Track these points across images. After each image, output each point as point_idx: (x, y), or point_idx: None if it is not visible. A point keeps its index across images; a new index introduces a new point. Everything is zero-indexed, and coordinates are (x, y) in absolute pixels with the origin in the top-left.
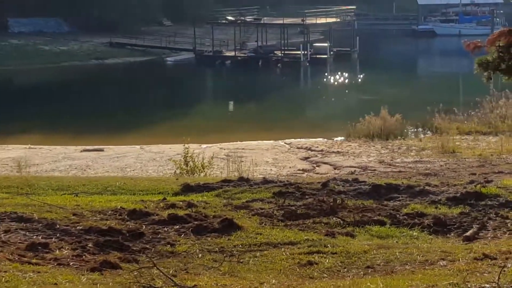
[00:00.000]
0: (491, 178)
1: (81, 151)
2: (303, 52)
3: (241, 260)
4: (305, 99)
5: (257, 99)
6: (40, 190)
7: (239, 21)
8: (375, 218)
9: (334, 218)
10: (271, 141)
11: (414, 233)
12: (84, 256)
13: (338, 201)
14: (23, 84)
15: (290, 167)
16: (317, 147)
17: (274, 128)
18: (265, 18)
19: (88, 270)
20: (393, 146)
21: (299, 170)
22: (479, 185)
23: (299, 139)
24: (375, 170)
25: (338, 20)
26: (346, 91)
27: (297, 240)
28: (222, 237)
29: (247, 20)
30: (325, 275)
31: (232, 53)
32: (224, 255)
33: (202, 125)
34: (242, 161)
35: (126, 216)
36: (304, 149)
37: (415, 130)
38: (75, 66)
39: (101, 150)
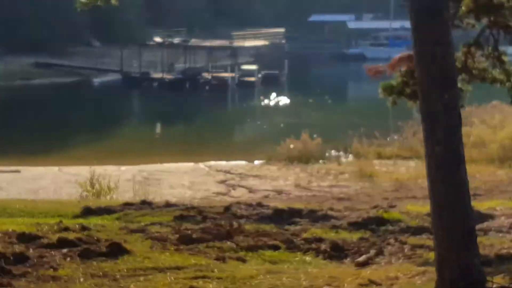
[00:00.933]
0: (397, 203)
1: None
2: (231, 74)
3: (121, 285)
4: (231, 122)
5: (183, 121)
6: None
7: (166, 43)
8: (270, 242)
9: (228, 243)
10: (192, 164)
11: (308, 258)
12: None
13: (235, 226)
14: None
15: (205, 190)
16: (236, 170)
17: (197, 150)
18: (193, 40)
19: None
20: (312, 170)
21: (213, 193)
22: (381, 210)
23: (219, 162)
24: (290, 193)
25: (267, 43)
26: (272, 114)
27: (184, 265)
28: (108, 261)
29: (175, 42)
30: None
31: (160, 75)
32: (107, 279)
33: (125, 147)
34: (159, 184)
35: (14, 239)
36: (223, 172)
37: (337, 154)
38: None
39: (18, 171)
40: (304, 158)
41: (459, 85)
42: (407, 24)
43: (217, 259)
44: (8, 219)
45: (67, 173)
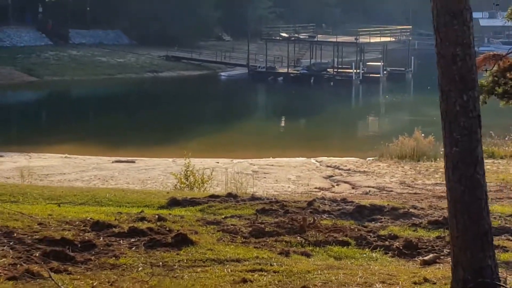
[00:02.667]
0: (495, 203)
1: (112, 162)
2: (355, 70)
3: (175, 275)
4: (350, 118)
5: (304, 116)
6: (31, 199)
7: (292, 38)
8: (341, 238)
9: (298, 237)
10: (303, 158)
11: (375, 255)
12: (19, 265)
13: (309, 220)
14: (76, 95)
15: (308, 185)
16: (345, 166)
17: (312, 145)
18: (319, 35)
19: (6, 278)
20: (421, 167)
21: (316, 188)
22: None
23: (331, 158)
24: (391, 191)
25: (393, 39)
26: (394, 111)
27: (245, 258)
28: (171, 251)
29: (301, 37)
30: None
31: (285, 70)
32: (165, 269)
33: (243, 140)
34: (265, 178)
35: (88, 228)
36: (332, 167)
37: None
38: (130, 78)
39: (133, 161)
40: (415, 156)
41: None
42: None
43: (281, 253)
44: (93, 207)
45: (180, 164)
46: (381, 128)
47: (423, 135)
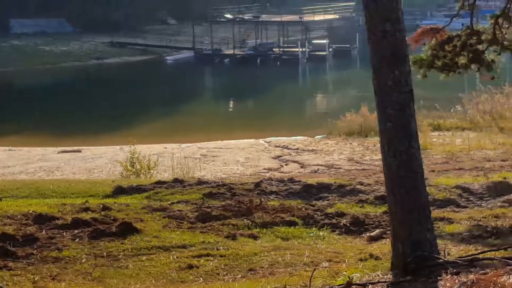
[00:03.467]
0: (442, 175)
1: (58, 153)
2: (301, 49)
3: (120, 265)
4: (298, 97)
5: (252, 97)
6: None
7: (237, 19)
8: (288, 219)
9: (245, 220)
10: (252, 140)
11: (323, 234)
12: None
13: (256, 202)
14: (19, 85)
15: (257, 166)
16: (294, 145)
17: (260, 126)
18: (264, 16)
19: None
20: (369, 143)
21: (264, 169)
22: None
23: (280, 138)
24: (340, 168)
25: (337, 16)
26: (340, 88)
27: (191, 243)
28: (116, 241)
29: (245, 18)
30: (201, 278)
31: (231, 51)
32: (109, 259)
33: (191, 124)
34: (213, 161)
35: (31, 221)
36: (281, 147)
37: None
38: (74, 66)
39: (79, 151)
40: (363, 132)
41: (491, 56)
42: None
43: (227, 236)
44: (36, 200)
45: (128, 152)
46: (329, 105)
47: (370, 111)
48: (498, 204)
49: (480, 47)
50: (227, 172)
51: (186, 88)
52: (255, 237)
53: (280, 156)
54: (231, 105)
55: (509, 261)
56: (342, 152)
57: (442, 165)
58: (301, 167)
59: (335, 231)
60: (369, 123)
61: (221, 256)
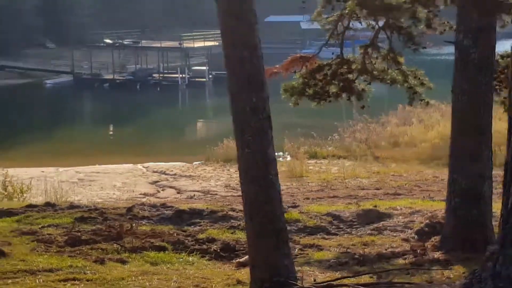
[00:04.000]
0: (315, 202)
1: None
2: (181, 75)
3: None
4: (177, 122)
5: (131, 122)
6: None
7: (117, 44)
8: (157, 244)
9: (114, 244)
10: (130, 165)
11: (192, 259)
12: None
13: (127, 227)
14: None
15: (133, 191)
16: (172, 170)
17: (139, 151)
18: (144, 41)
19: None
20: None
21: (140, 194)
22: None
23: (158, 163)
24: (216, 194)
25: (216, 43)
26: (219, 115)
27: (59, 267)
28: None
29: (125, 43)
30: None
31: (111, 76)
32: None
33: (70, 148)
34: (90, 185)
35: None
36: (158, 172)
37: (276, 154)
38: None
39: None
40: None
41: (361, 86)
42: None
43: (96, 261)
44: None
45: (3, 175)
46: (208, 132)
47: None
48: (367, 232)
49: (350, 76)
50: (103, 197)
51: (65, 112)
52: (123, 262)
53: (157, 181)
54: (110, 130)
55: (360, 287)
56: (219, 178)
57: (316, 193)
58: (178, 193)
59: (205, 256)
60: None
61: (88, 280)
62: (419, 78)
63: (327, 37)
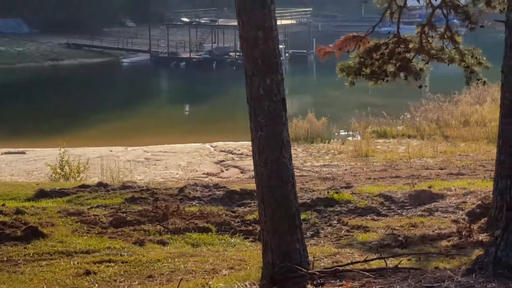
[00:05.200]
0: (376, 183)
1: (1, 154)
2: None
3: (16, 270)
4: None
5: (206, 102)
6: None
7: (194, 23)
8: (202, 225)
9: (158, 225)
10: (198, 144)
11: (235, 241)
12: None
13: (173, 208)
14: None
15: (197, 171)
16: (239, 150)
17: (211, 130)
18: (221, 20)
19: None
20: (313, 149)
21: (204, 174)
22: (333, 191)
23: (227, 142)
24: None
25: (294, 22)
26: (294, 93)
27: (96, 249)
28: (19, 245)
29: (202, 22)
30: (96, 285)
31: (188, 55)
32: (8, 264)
33: (142, 127)
34: (155, 165)
35: None
36: (225, 152)
37: (345, 133)
38: (30, 67)
39: (23, 153)
40: (309, 138)
41: (418, 65)
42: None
43: (135, 242)
44: None
45: (72, 154)
46: None
47: (325, 116)
48: (417, 213)
49: (408, 55)
50: (166, 176)
51: (140, 91)
52: (164, 243)
53: (223, 161)
54: (184, 109)
55: (365, 273)
56: None
57: (380, 173)
58: (241, 172)
59: (249, 238)
60: (315, 129)
61: (123, 262)
62: (476, 57)
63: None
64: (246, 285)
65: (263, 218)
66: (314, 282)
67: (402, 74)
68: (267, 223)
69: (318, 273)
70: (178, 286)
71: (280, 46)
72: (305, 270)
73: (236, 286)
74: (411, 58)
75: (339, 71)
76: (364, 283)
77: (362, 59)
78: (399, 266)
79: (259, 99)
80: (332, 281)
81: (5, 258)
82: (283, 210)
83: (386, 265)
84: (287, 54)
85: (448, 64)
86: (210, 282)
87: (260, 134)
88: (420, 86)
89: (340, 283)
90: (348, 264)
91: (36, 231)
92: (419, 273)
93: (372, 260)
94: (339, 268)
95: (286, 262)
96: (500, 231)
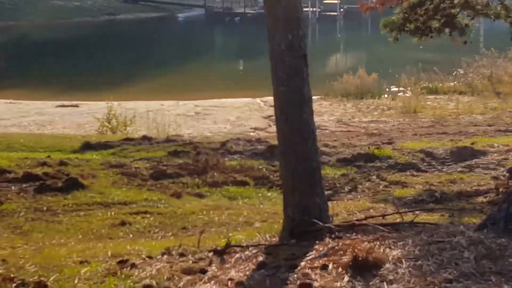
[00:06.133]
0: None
1: (56, 107)
2: (312, 9)
3: (54, 220)
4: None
5: (260, 57)
6: None
7: None
8: (240, 179)
9: (196, 179)
10: (249, 99)
11: (270, 194)
12: None
13: (213, 161)
14: (30, 39)
15: (245, 125)
16: None
17: (264, 85)
18: None
19: None
20: (363, 105)
21: (251, 128)
22: (373, 147)
23: None
24: (326, 129)
25: None
26: (349, 49)
27: (134, 200)
28: (59, 195)
29: None
30: (131, 235)
31: (242, 10)
32: (48, 213)
33: (196, 82)
34: (204, 119)
35: None
36: None
37: (397, 89)
38: (87, 21)
39: (77, 106)
40: (359, 94)
41: (464, 21)
42: None
43: (173, 194)
44: (5, 153)
45: (124, 107)
46: (332, 66)
47: (376, 72)
48: (458, 169)
49: (453, 11)
50: (214, 131)
51: (194, 46)
52: (201, 196)
53: (271, 115)
54: (238, 64)
55: (380, 227)
56: (333, 113)
57: (427, 129)
58: None
59: None
60: (366, 85)
61: (158, 213)
62: None
63: None
64: (266, 237)
65: (284, 174)
66: (332, 236)
67: (447, 30)
68: (287, 178)
69: (335, 227)
70: (199, 238)
71: (335, 1)
72: (322, 224)
73: (257, 237)
74: (456, 14)
75: (383, 26)
76: (378, 237)
77: (406, 15)
78: (415, 220)
79: (280, 54)
80: (349, 235)
81: (44, 208)
82: (303, 166)
83: (403, 219)
84: (342, 10)
85: (494, 20)
86: (231, 234)
87: (281, 90)
88: (465, 42)
89: (356, 237)
90: (365, 218)
91: (77, 182)
92: (433, 227)
93: (389, 214)
94: (355, 222)
95: (305, 216)
96: None
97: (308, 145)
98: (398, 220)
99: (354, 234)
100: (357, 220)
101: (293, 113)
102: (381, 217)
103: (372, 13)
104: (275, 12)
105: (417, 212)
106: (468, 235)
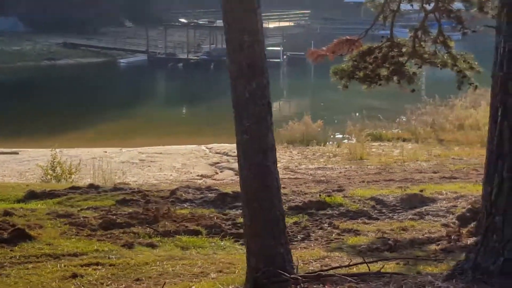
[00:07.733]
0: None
1: None
2: None
3: (4, 272)
4: None
5: (204, 103)
6: None
7: (192, 24)
8: (192, 228)
9: (148, 228)
10: (194, 146)
11: (224, 243)
12: None
13: (164, 210)
14: None
15: (191, 173)
16: (235, 152)
17: (208, 132)
18: (219, 21)
19: None
20: (308, 152)
21: (198, 176)
22: (324, 194)
23: (222, 144)
24: None
25: (292, 24)
26: (291, 96)
27: (84, 251)
28: (5, 248)
29: (200, 22)
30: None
31: (185, 56)
32: None
33: (138, 128)
34: (149, 166)
35: None
36: (221, 154)
37: (340, 136)
38: (26, 66)
39: (16, 153)
40: (305, 140)
41: (412, 69)
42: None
43: (124, 245)
44: None
45: (66, 155)
46: (277, 113)
47: (321, 119)
48: (408, 217)
49: (401, 59)
50: (160, 178)
51: (137, 91)
52: (153, 246)
53: (218, 162)
54: (181, 110)
55: (347, 277)
56: (280, 160)
57: (374, 176)
58: (235, 175)
59: (239, 241)
60: (311, 132)
61: (110, 265)
62: (468, 62)
63: (380, 19)
64: None
65: (247, 222)
66: (298, 287)
67: (395, 78)
68: (250, 227)
69: (301, 277)
70: None
71: (278, 48)
72: (287, 275)
73: None
74: (404, 62)
75: (332, 74)
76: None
77: (355, 63)
78: (381, 271)
79: (244, 102)
80: (315, 286)
81: None
82: (266, 214)
83: (369, 269)
84: (285, 56)
85: (440, 69)
86: (194, 286)
87: (244, 138)
88: (413, 90)
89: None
90: (331, 268)
91: (23, 233)
92: (401, 278)
93: (355, 265)
94: (322, 272)
95: (270, 267)
96: (479, 237)
97: (272, 193)
98: (363, 271)
99: (321, 285)
100: (322, 270)
101: (256, 161)
102: (347, 267)
103: (322, 60)
104: (238, 61)
105: (383, 261)
106: (437, 285)
